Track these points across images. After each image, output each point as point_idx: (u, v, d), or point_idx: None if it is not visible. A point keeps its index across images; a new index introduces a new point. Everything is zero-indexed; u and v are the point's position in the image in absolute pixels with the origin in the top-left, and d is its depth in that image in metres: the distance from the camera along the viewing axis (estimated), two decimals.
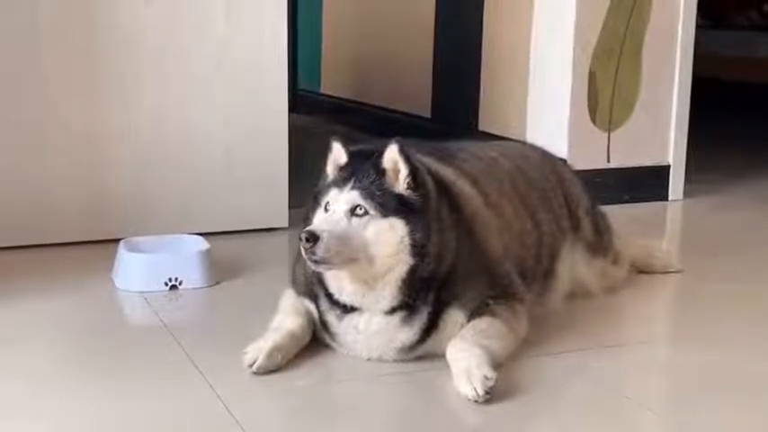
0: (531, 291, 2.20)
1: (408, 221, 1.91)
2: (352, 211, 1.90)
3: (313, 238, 1.84)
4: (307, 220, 2.00)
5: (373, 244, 1.89)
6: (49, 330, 2.23)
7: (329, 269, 1.92)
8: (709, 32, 5.44)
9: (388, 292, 1.93)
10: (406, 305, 1.94)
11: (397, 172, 1.93)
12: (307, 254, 1.85)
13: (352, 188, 1.91)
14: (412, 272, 1.92)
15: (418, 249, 1.91)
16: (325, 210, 1.93)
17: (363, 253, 1.89)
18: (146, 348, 2.11)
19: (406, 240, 1.91)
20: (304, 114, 5.39)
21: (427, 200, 1.95)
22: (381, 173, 1.93)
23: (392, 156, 1.93)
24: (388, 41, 4.99)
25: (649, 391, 1.99)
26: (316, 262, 1.87)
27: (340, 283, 1.96)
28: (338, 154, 2.00)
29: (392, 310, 1.95)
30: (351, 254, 1.88)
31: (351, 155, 1.99)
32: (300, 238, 1.85)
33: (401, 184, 1.93)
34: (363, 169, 1.94)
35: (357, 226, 1.89)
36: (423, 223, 1.92)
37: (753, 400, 1.90)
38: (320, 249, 1.84)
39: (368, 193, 1.90)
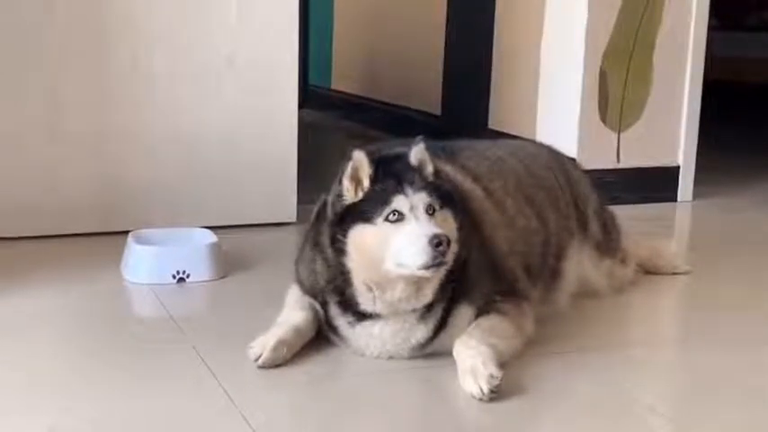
0: (537, 289, 2.21)
1: (453, 210, 1.93)
2: (428, 211, 1.88)
3: (447, 241, 1.81)
4: (335, 242, 1.92)
5: (452, 239, 1.89)
6: (56, 321, 2.24)
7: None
8: (721, 34, 5.43)
9: (431, 290, 1.92)
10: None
11: (423, 168, 1.95)
12: (438, 258, 1.82)
13: (417, 190, 1.88)
14: (456, 262, 1.91)
15: (460, 237, 1.93)
16: (388, 219, 1.86)
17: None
18: (152, 341, 2.12)
19: (456, 227, 1.93)
20: (314, 110, 5.39)
21: (453, 191, 1.98)
22: (416, 170, 1.93)
23: (420, 154, 1.95)
24: (400, 38, 4.99)
25: (655, 391, 1.99)
26: (440, 264, 1.84)
27: (387, 291, 1.91)
28: (362, 163, 1.91)
29: (416, 309, 1.94)
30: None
31: (376, 162, 1.92)
32: (440, 242, 1.80)
33: (429, 178, 1.94)
34: (405, 171, 1.92)
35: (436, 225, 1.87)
36: (457, 211, 1.95)
37: (758, 402, 1.90)
38: (450, 252, 1.83)
39: (429, 191, 1.90)
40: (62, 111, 2.85)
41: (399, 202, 1.87)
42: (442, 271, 1.88)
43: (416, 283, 1.90)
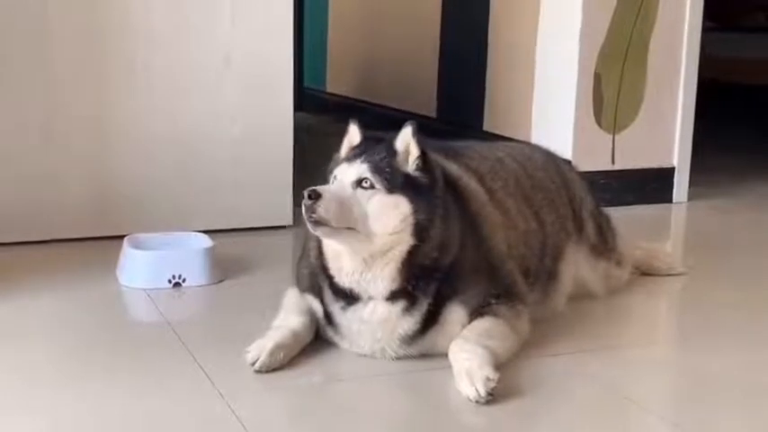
0: (534, 291, 2.21)
1: (413, 201, 1.92)
2: (359, 183, 1.91)
3: (315, 195, 1.86)
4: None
5: (374, 218, 1.90)
6: (52, 326, 2.24)
7: (326, 234, 1.91)
8: (717, 34, 5.43)
9: (387, 274, 1.93)
10: (407, 293, 1.94)
11: (408, 153, 1.96)
12: (307, 212, 1.87)
13: (362, 162, 1.93)
14: (411, 254, 1.93)
15: (420, 231, 1.92)
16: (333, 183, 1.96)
17: (363, 225, 1.90)
18: (148, 345, 2.12)
19: (410, 220, 1.92)
20: (309, 113, 5.39)
21: (434, 185, 1.97)
22: (393, 153, 1.96)
23: (406, 137, 1.97)
24: (394, 40, 4.99)
25: (651, 392, 1.99)
26: (314, 222, 1.87)
27: (339, 262, 1.96)
28: (353, 135, 2.04)
29: (393, 297, 1.94)
30: (348, 221, 1.89)
31: (365, 136, 2.03)
32: (303, 195, 1.87)
33: (411, 165, 1.96)
34: (375, 147, 1.97)
35: (360, 196, 1.91)
36: (428, 206, 1.94)
37: (757, 402, 1.90)
38: (320, 208, 1.85)
39: (376, 168, 1.92)
40: (59, 113, 2.85)
41: (340, 169, 1.96)
42: (343, 234, 1.89)
43: (363, 260, 1.93)
